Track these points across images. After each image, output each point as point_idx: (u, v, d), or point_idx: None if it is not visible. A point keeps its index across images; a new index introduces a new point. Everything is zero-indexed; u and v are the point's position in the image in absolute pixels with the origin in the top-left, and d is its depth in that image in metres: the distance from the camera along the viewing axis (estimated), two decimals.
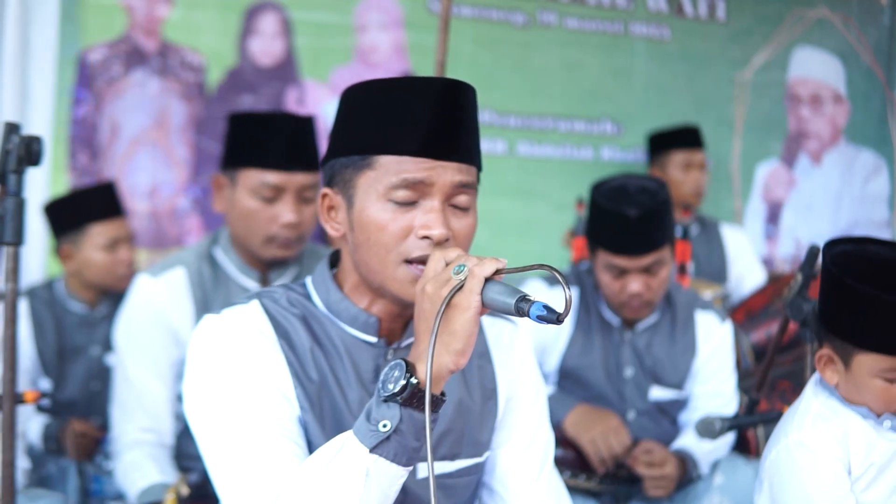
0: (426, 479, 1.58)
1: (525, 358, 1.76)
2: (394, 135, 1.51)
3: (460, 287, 1.37)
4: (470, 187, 1.54)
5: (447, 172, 1.51)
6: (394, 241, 1.50)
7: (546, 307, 1.32)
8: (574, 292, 2.90)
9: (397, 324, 1.61)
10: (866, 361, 1.86)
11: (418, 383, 1.35)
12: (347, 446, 1.38)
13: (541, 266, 1.36)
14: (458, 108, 1.54)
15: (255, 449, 1.45)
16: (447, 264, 1.42)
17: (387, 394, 1.36)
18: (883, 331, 1.83)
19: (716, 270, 4.13)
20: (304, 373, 1.54)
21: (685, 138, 4.28)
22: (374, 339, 1.60)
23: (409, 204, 1.50)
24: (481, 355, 1.71)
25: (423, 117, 1.51)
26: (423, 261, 1.48)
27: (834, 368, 1.93)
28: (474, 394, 1.67)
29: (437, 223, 1.49)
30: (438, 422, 1.60)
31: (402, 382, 1.35)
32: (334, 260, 1.67)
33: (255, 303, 1.58)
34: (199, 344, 1.55)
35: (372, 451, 1.36)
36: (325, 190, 1.61)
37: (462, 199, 1.53)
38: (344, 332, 1.59)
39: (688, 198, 4.14)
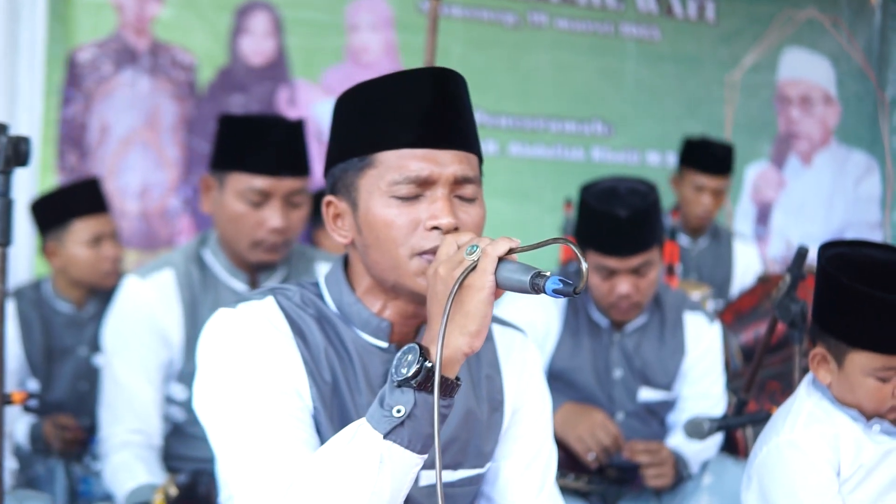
0: (427, 487, 1.57)
1: (534, 369, 1.74)
2: (390, 130, 1.50)
3: (473, 267, 1.35)
4: (472, 181, 1.52)
5: (448, 165, 1.49)
6: (403, 236, 1.48)
7: (562, 280, 1.30)
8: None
9: (409, 328, 1.59)
10: (859, 360, 1.88)
11: (432, 367, 1.33)
12: (361, 433, 1.36)
13: (555, 240, 1.34)
14: (450, 95, 1.54)
15: (267, 437, 1.43)
16: (459, 247, 1.40)
17: (400, 378, 1.34)
18: (877, 329, 1.85)
19: (718, 284, 4.05)
20: (318, 372, 1.53)
21: (704, 162, 4.02)
22: (385, 345, 1.58)
23: (414, 198, 1.49)
24: (491, 365, 1.69)
25: (417, 108, 1.50)
26: (434, 252, 1.46)
27: (827, 368, 1.94)
28: (482, 404, 1.65)
29: (444, 212, 1.47)
30: (444, 430, 1.58)
31: (416, 366, 1.33)
32: (347, 262, 1.64)
33: (270, 299, 1.57)
34: (213, 336, 1.53)
35: (386, 436, 1.34)
36: (329, 198, 1.59)
37: (467, 191, 1.52)
38: (356, 335, 1.58)
39: (691, 219, 4.04)
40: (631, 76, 4.90)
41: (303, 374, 1.51)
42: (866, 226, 5.44)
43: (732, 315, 3.59)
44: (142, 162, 3.99)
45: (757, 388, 3.09)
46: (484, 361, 1.67)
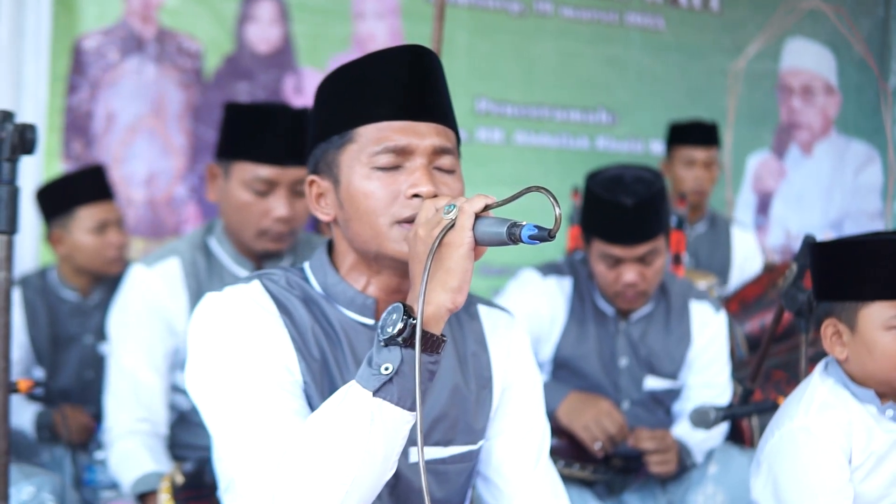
0: (417, 465, 1.58)
1: (521, 347, 1.76)
2: (369, 104, 1.55)
3: (451, 226, 1.39)
4: (450, 152, 1.57)
5: (427, 136, 1.54)
6: (383, 206, 1.52)
7: (536, 227, 1.34)
8: (568, 282, 2.90)
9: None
10: (871, 314, 1.88)
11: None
12: (351, 393, 1.39)
13: (530, 189, 1.37)
14: (427, 70, 1.58)
15: (259, 409, 1.46)
16: (437, 210, 1.43)
17: (386, 336, 1.37)
18: (881, 277, 1.87)
19: (716, 271, 4.03)
20: (307, 349, 1.55)
21: (689, 135, 4.12)
22: (371, 322, 1.61)
23: (394, 168, 1.53)
24: (478, 343, 1.71)
25: (395, 83, 1.55)
26: (413, 220, 1.49)
27: (841, 341, 1.94)
28: (470, 381, 1.67)
29: (423, 180, 1.51)
30: (433, 406, 1.61)
31: (401, 324, 1.36)
32: (331, 246, 1.68)
33: (256, 282, 1.59)
34: (202, 319, 1.55)
35: (375, 394, 1.37)
36: (312, 177, 1.63)
37: (446, 161, 1.56)
38: (342, 314, 1.60)
39: (687, 195, 4.03)
40: (635, 65, 4.89)
41: (291, 350, 1.53)
42: (866, 216, 5.44)
43: (738, 304, 3.60)
44: (148, 150, 3.98)
45: (762, 377, 3.09)
46: (470, 339, 1.70)
